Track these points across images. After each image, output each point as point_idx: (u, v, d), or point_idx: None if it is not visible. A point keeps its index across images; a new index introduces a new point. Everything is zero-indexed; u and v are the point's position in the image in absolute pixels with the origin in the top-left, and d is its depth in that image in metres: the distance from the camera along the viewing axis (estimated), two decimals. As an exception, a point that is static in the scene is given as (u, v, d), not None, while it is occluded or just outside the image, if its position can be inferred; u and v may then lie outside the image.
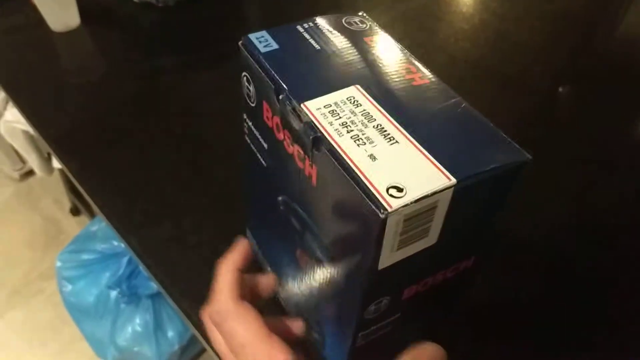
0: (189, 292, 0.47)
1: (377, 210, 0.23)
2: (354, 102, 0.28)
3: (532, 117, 0.61)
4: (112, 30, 0.79)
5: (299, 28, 0.32)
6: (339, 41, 0.32)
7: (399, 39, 0.32)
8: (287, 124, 0.28)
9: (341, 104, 0.27)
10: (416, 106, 0.28)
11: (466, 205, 0.25)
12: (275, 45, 0.31)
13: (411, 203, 0.23)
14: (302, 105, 0.27)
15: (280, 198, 0.34)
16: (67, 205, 1.58)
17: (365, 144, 0.25)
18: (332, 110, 0.27)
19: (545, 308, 0.45)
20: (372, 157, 0.25)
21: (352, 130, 0.26)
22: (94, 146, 0.61)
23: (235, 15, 0.83)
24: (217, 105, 0.66)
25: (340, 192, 0.25)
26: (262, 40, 0.31)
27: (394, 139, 0.26)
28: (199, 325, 0.44)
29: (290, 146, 0.29)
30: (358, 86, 0.28)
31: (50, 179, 1.41)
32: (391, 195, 0.23)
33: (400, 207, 0.23)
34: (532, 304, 0.46)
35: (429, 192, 0.23)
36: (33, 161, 1.20)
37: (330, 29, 0.33)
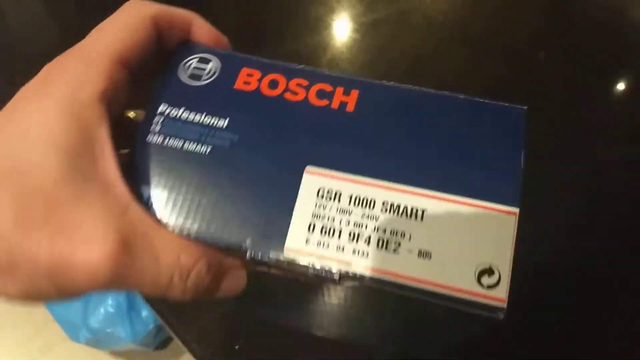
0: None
1: (492, 315, 0.18)
2: (330, 196, 0.20)
3: (510, 81, 0.55)
4: (63, -8, 0.63)
5: (154, 139, 0.21)
6: (214, 118, 0.21)
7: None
8: (276, 272, 0.21)
9: (320, 211, 0.20)
10: (383, 142, 0.21)
11: None
12: (161, 193, 0.20)
13: (510, 271, 0.19)
14: (284, 252, 0.19)
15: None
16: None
17: (399, 244, 0.19)
18: (321, 228, 0.20)
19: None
20: (424, 254, 0.19)
21: (369, 237, 0.19)
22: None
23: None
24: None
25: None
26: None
27: (416, 209, 0.20)
28: (163, 313, 0.42)
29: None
30: (309, 167, 0.20)
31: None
32: (489, 287, 0.18)
33: (508, 290, 0.19)
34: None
35: (511, 243, 0.19)
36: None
37: (185, 107, 0.22)
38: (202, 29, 0.23)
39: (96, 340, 1.02)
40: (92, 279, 0.17)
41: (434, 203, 0.20)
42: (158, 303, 0.42)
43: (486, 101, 0.22)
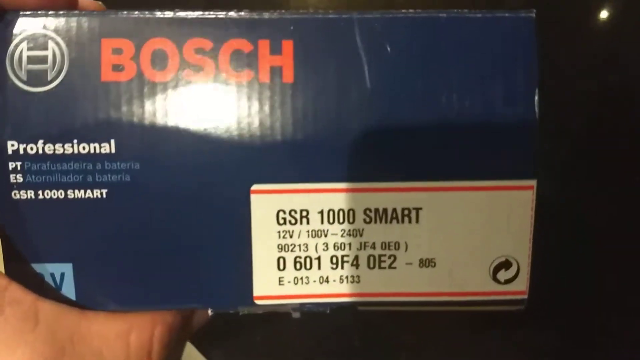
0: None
1: (511, 308, 0.16)
2: (294, 218, 0.15)
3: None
4: None
5: (22, 195, 0.14)
6: (93, 145, 0.14)
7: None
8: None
9: (287, 241, 0.15)
10: (346, 123, 0.15)
11: None
12: (65, 268, 0.15)
13: (529, 259, 0.16)
14: (255, 302, 0.15)
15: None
16: None
17: (394, 257, 0.15)
18: (294, 261, 0.15)
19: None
20: (426, 262, 0.15)
21: (356, 258, 0.15)
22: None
23: None
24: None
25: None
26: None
27: (409, 210, 0.15)
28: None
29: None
30: (255, 186, 0.15)
31: None
32: (507, 281, 0.15)
33: (528, 279, 0.16)
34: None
35: (529, 225, 0.15)
36: None
37: (44, 137, 0.14)
38: None
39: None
40: None
41: (430, 197, 0.15)
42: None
43: (477, 15, 0.15)
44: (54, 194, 0.14)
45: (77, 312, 0.14)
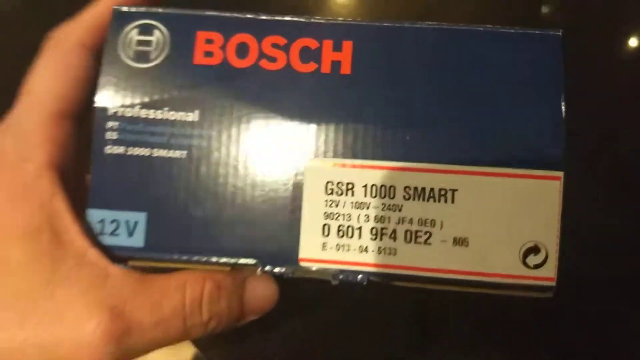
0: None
1: (540, 295, 0.17)
2: (341, 189, 0.17)
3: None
4: None
5: (114, 150, 0.17)
6: (180, 113, 0.17)
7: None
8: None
9: (333, 210, 0.17)
10: (393, 111, 0.17)
11: None
12: (138, 216, 0.17)
13: (558, 246, 0.17)
14: (300, 264, 0.17)
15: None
16: None
17: (430, 234, 0.17)
18: (338, 229, 0.17)
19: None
20: (460, 241, 0.17)
21: (394, 231, 0.17)
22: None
23: None
24: None
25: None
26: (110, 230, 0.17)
27: (445, 190, 0.17)
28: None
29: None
30: (310, 158, 0.17)
31: None
32: (536, 267, 0.16)
33: (557, 266, 0.17)
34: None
35: (557, 214, 0.17)
36: None
37: (141, 104, 0.17)
38: None
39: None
40: None
41: (465, 180, 0.17)
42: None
43: (511, 30, 0.17)
44: (141, 151, 0.17)
45: (140, 274, 0.17)
